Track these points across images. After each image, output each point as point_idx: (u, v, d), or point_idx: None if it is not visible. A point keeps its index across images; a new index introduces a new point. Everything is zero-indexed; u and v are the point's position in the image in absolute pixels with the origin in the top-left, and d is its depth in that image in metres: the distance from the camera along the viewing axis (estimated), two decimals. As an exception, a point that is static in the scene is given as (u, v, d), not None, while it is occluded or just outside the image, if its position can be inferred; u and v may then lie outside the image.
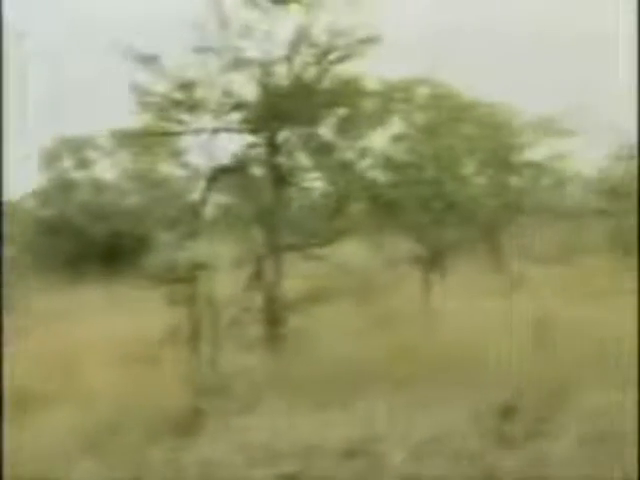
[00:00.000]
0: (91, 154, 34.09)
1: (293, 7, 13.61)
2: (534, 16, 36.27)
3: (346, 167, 14.58)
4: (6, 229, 24.77)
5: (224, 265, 13.53)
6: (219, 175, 13.79)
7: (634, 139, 25.18)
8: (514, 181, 25.38)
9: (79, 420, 9.01)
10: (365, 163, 15.36)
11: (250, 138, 14.05)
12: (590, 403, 8.67)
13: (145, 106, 13.79)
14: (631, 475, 7.01)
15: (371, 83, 14.76)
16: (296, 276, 14.65)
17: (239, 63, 13.65)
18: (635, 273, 19.78)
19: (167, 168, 31.00)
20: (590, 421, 8.20)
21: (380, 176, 16.07)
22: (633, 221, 22.85)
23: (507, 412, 8.67)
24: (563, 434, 7.89)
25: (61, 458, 7.94)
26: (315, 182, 15.07)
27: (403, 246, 21.70)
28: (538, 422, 8.41)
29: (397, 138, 16.97)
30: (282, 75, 13.79)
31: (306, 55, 13.81)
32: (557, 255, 24.55)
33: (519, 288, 18.72)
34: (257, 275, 13.24)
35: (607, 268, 21.05)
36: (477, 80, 21.93)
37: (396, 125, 16.93)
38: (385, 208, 15.54)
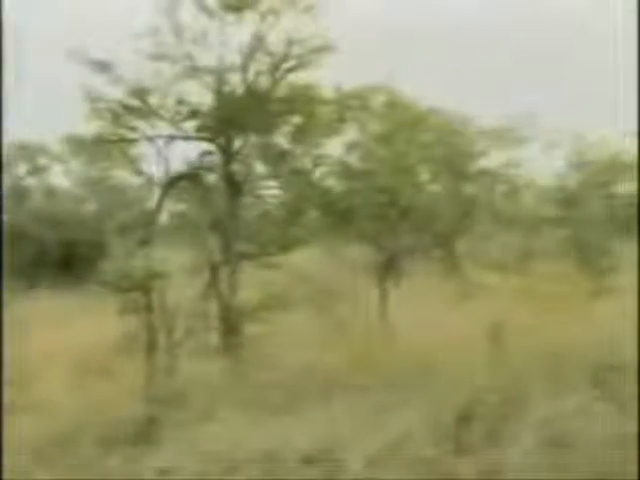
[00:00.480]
0: (45, 161, 33.83)
1: (248, 15, 13.61)
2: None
3: (301, 175, 14.60)
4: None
5: (179, 273, 13.48)
6: (174, 183, 13.75)
7: (589, 146, 25.48)
8: (469, 189, 25.50)
9: (34, 430, 8.92)
10: (320, 171, 15.39)
11: (205, 146, 14.04)
12: (546, 409, 8.73)
13: (99, 112, 13.71)
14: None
15: (326, 91, 14.79)
16: (252, 284, 14.63)
17: (194, 71, 13.64)
18: (587, 278, 20.04)
19: (122, 175, 30.81)
20: (546, 427, 8.25)
21: (335, 184, 16.12)
22: (589, 228, 23.11)
23: (464, 419, 8.71)
24: (519, 441, 7.94)
25: (17, 469, 7.88)
26: (270, 190, 15.09)
27: (359, 253, 21.74)
28: (494, 429, 8.45)
29: (352, 146, 17.02)
30: (237, 83, 13.80)
31: (261, 63, 13.83)
32: (512, 262, 24.73)
33: (474, 295, 18.84)
34: (212, 283, 13.20)
35: (562, 275, 21.25)
36: (434, 87, 22.12)
37: (351, 133, 16.98)
38: (341, 216, 15.58)
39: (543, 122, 24.75)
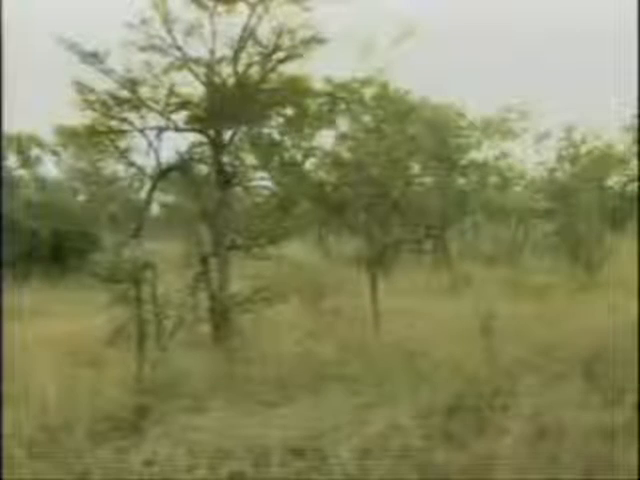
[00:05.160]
0: (36, 152, 33.77)
1: (238, 6, 13.59)
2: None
3: (292, 166, 14.61)
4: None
5: (170, 264, 13.45)
6: (165, 174, 13.73)
7: (578, 139, 25.55)
8: (460, 181, 25.56)
9: (24, 422, 8.90)
10: (311, 162, 15.41)
11: (195, 137, 14.02)
12: (535, 400, 8.75)
13: (89, 104, 13.67)
14: (572, 470, 7.11)
15: (318, 83, 14.79)
16: (243, 276, 14.62)
17: (184, 62, 13.61)
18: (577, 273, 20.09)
19: (113, 167, 30.81)
20: (533, 418, 8.26)
21: (326, 176, 16.13)
22: (580, 221, 23.16)
23: (452, 410, 8.72)
24: (507, 432, 7.95)
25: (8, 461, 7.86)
26: (261, 181, 15.09)
27: (350, 245, 21.76)
28: (484, 419, 8.47)
29: (343, 138, 17.04)
30: (227, 74, 13.77)
31: (251, 54, 13.79)
32: (502, 254, 24.80)
33: (465, 287, 18.89)
34: (203, 274, 13.18)
35: (552, 267, 21.32)
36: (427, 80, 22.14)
37: (343, 125, 17.00)
38: (331, 207, 15.59)
39: (535, 115, 24.87)
